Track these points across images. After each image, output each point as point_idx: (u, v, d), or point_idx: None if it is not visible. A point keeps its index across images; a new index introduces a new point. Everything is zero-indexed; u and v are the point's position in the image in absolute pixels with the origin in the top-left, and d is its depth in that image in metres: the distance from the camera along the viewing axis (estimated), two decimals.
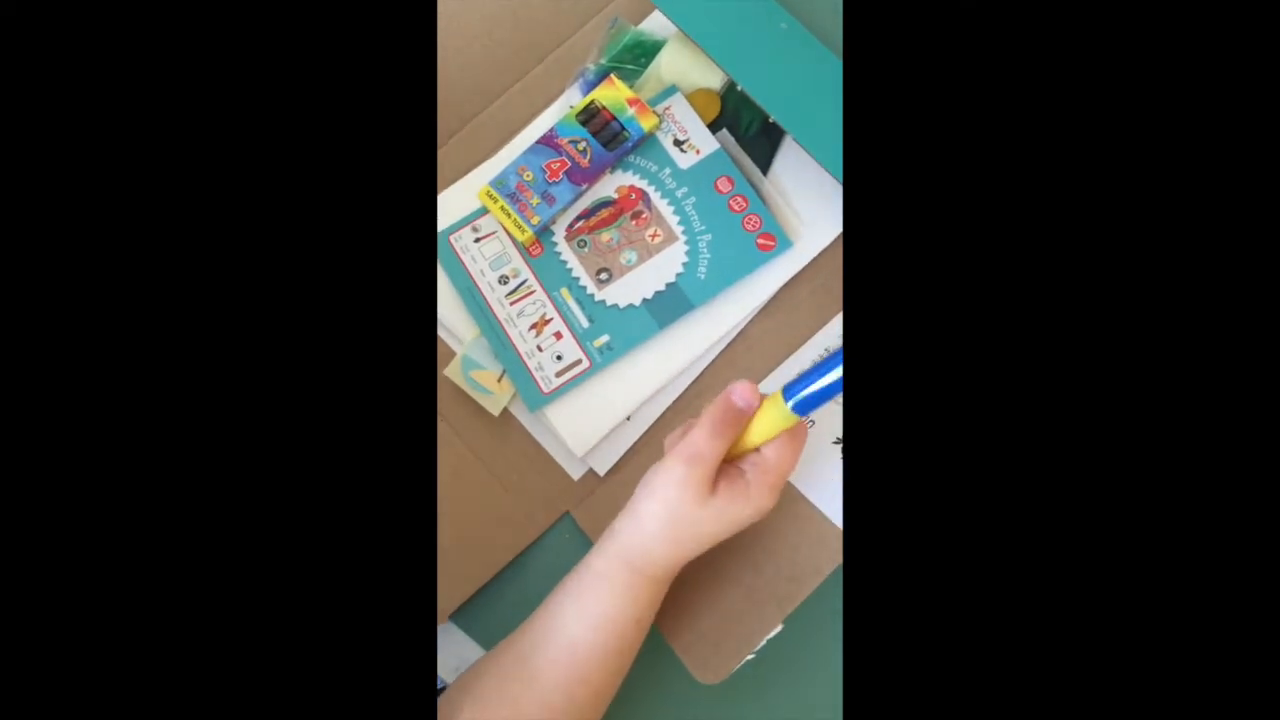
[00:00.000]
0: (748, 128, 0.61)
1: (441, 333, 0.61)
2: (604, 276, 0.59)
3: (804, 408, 0.45)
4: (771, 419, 0.47)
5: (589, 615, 0.47)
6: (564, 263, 0.59)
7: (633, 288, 0.58)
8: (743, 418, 0.47)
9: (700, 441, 0.46)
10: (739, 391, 0.48)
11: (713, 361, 0.59)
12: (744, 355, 0.59)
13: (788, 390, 0.46)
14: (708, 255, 0.58)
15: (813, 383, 0.45)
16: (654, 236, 0.59)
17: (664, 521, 0.47)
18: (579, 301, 0.59)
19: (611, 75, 0.60)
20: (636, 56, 0.62)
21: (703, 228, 0.59)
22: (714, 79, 0.61)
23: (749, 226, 0.58)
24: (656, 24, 0.63)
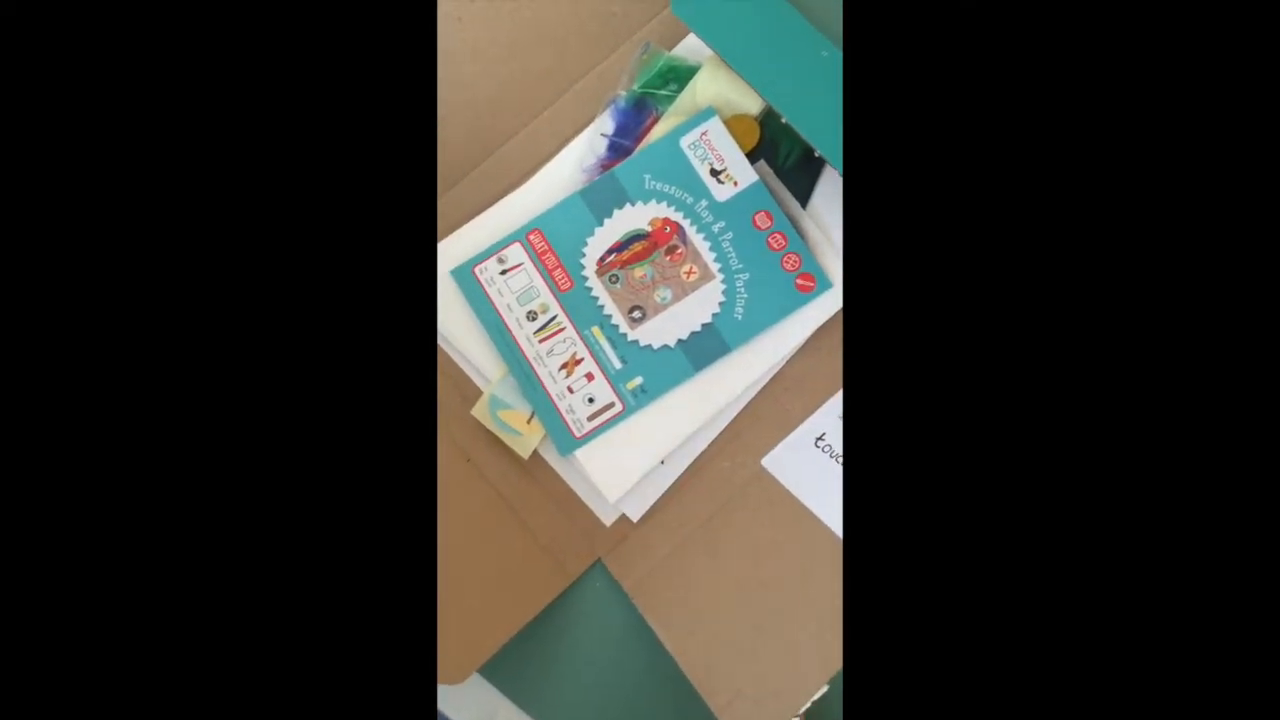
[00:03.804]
0: (786, 158, 0.59)
1: (468, 370, 0.59)
2: (637, 315, 0.57)
3: None
4: None
5: None
6: (595, 299, 0.57)
7: (667, 328, 0.56)
8: None
9: None
10: None
11: (749, 403, 0.57)
12: (781, 396, 0.57)
13: None
14: (745, 295, 0.56)
15: None
16: (689, 274, 0.57)
17: None
18: (611, 341, 0.57)
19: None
20: (668, 82, 0.60)
21: (740, 266, 0.56)
22: (752, 104, 0.59)
23: (788, 266, 0.56)
24: (690, 49, 0.60)
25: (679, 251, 0.57)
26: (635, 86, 0.60)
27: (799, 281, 0.56)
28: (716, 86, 0.59)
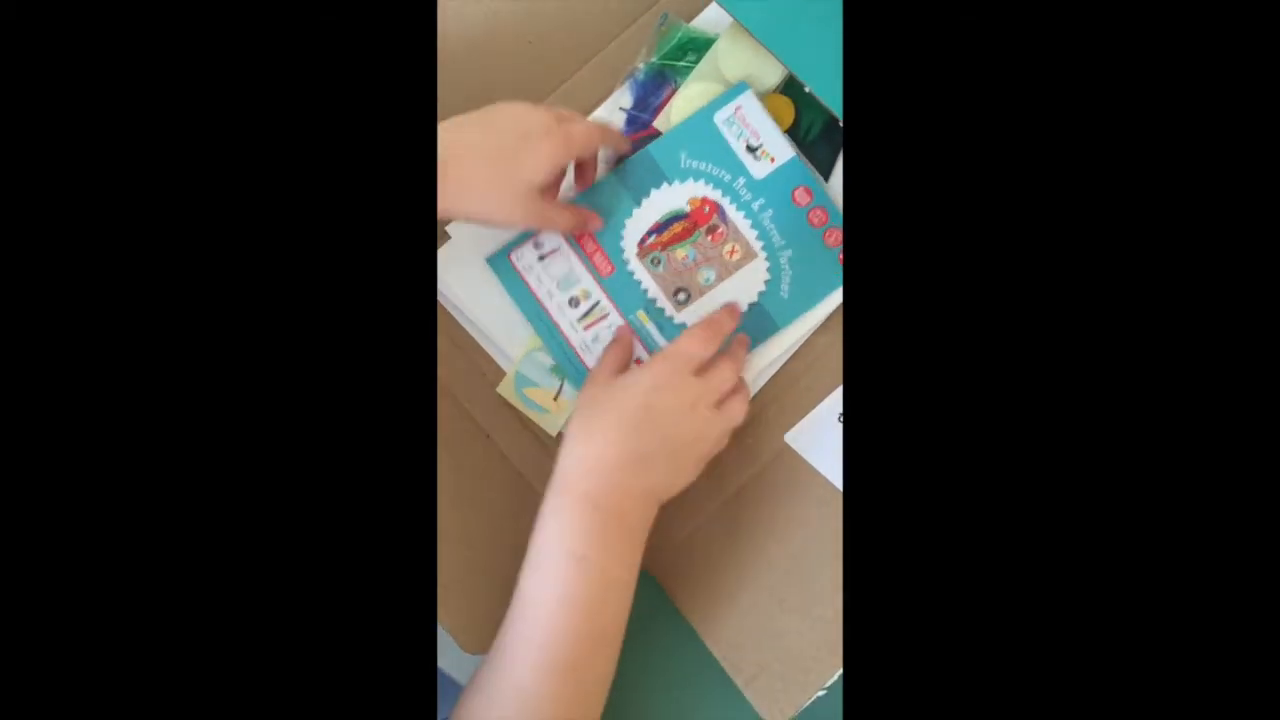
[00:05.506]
0: (808, 131, 0.59)
1: (491, 349, 0.57)
2: (682, 297, 0.56)
3: None
4: None
5: (531, 561, 0.47)
6: (638, 282, 0.56)
7: (714, 309, 0.56)
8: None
9: None
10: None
11: (772, 379, 0.57)
12: (804, 372, 0.57)
13: None
14: (790, 272, 0.57)
15: None
16: (732, 253, 0.57)
17: (575, 420, 0.49)
18: (659, 325, 0.56)
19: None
20: (687, 54, 0.59)
21: (783, 243, 0.57)
22: (771, 76, 0.59)
23: (831, 241, 0.57)
24: (708, 21, 0.59)
25: (719, 231, 0.57)
26: (654, 59, 0.58)
27: (843, 257, 0.57)
28: (736, 57, 0.58)
